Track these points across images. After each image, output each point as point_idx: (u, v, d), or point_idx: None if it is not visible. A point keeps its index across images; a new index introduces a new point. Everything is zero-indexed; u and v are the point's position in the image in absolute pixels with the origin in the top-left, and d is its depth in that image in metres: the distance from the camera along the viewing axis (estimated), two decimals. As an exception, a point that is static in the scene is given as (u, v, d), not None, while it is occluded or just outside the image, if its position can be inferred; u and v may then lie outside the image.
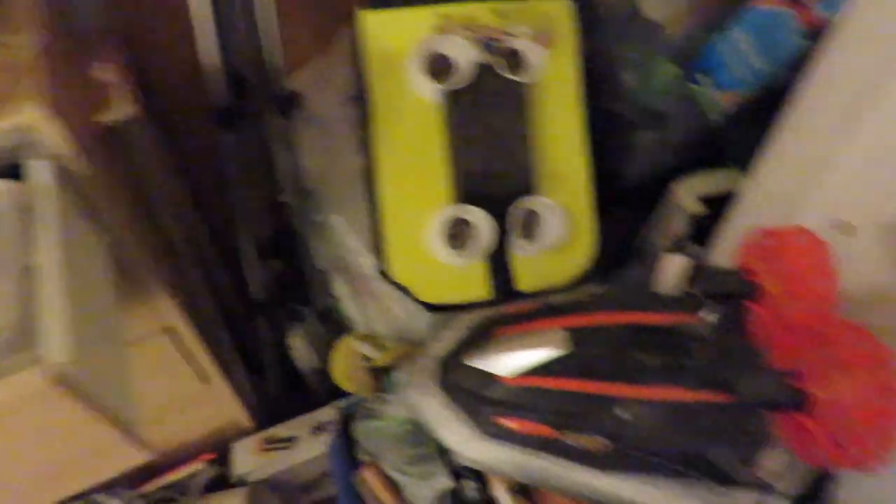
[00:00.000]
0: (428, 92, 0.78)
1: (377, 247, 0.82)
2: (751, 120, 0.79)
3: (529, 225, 0.84)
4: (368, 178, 0.81)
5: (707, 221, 0.90)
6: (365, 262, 0.90)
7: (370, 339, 1.01)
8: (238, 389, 0.96)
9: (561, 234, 0.81)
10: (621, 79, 0.95)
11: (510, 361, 0.57)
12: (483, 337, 0.61)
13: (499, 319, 0.63)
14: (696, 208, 0.94)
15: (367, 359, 1.01)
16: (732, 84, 0.81)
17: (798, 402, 0.52)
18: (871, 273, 0.58)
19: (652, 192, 1.03)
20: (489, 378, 0.58)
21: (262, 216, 0.88)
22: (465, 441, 0.57)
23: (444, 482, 0.73)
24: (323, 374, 1.09)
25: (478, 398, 0.58)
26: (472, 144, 0.78)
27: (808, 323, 0.52)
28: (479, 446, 0.57)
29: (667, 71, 0.90)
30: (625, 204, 1.10)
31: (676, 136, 0.97)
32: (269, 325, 1.00)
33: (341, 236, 0.89)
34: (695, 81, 0.87)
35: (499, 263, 0.82)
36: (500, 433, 0.57)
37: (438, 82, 0.77)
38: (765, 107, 0.76)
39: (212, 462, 0.97)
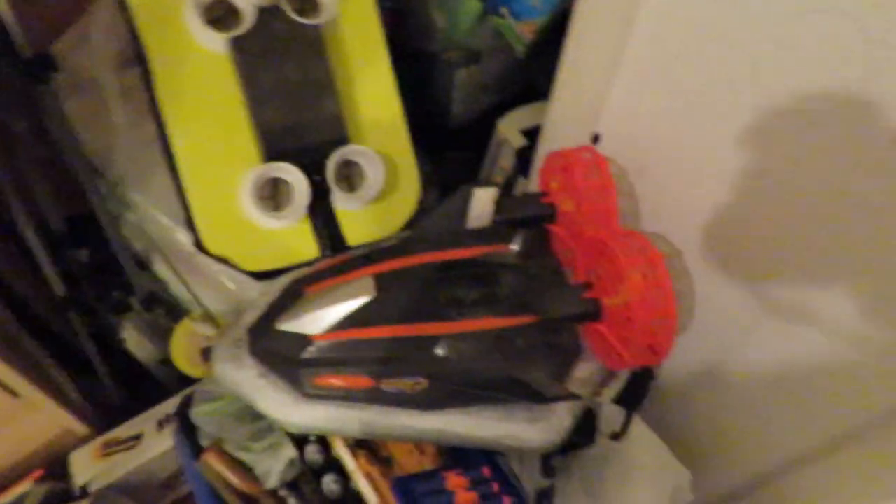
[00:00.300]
0: (212, 43, 0.71)
1: (188, 220, 0.75)
2: (549, 48, 0.80)
3: (350, 177, 0.81)
4: (164, 145, 0.73)
5: (532, 153, 0.92)
6: (181, 238, 0.83)
7: (209, 318, 0.95)
8: (61, 396, 0.87)
9: (383, 181, 0.79)
10: (430, 18, 0.93)
11: (321, 318, 0.55)
12: (293, 298, 0.58)
13: (307, 278, 0.61)
14: (520, 141, 0.96)
15: (209, 340, 0.95)
16: (527, 13, 0.81)
17: (594, 312, 0.54)
18: (656, 197, 0.62)
19: (482, 131, 1.04)
20: (302, 339, 0.55)
21: (50, 201, 0.78)
22: (286, 408, 0.55)
23: (290, 451, 0.71)
24: (168, 363, 1.02)
25: (293, 362, 0.55)
26: (271, 96, 0.73)
27: (597, 236, 0.54)
28: (301, 410, 0.55)
29: (471, 7, 0.89)
30: (458, 145, 1.11)
31: (491, 71, 0.98)
32: (89, 321, 0.91)
33: (148, 213, 0.81)
34: (498, 14, 0.87)
35: (323, 221, 0.79)
36: (321, 393, 0.55)
37: (222, 31, 0.70)
38: (560, 33, 0.77)
39: (43, 479, 0.88)
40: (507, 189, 1.01)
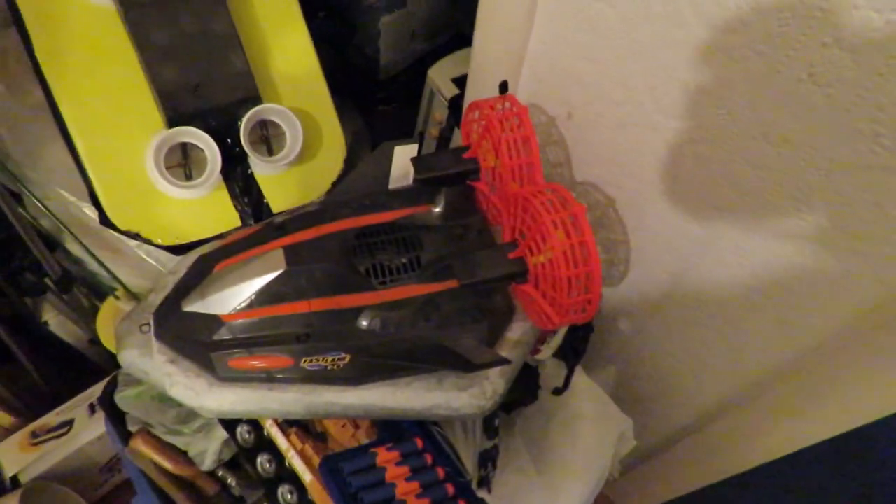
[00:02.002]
0: (95, -4, 0.63)
1: (91, 193, 0.69)
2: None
3: (268, 139, 0.75)
4: (54, 114, 0.66)
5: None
6: (88, 213, 0.77)
7: (134, 296, 0.90)
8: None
9: (303, 142, 0.74)
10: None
11: (229, 297, 0.51)
12: (200, 276, 0.53)
13: (216, 253, 0.56)
14: (452, 90, 0.91)
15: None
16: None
17: (520, 273, 0.52)
18: (585, 143, 0.61)
19: (414, 82, 0.99)
20: (211, 320, 0.51)
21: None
22: (200, 394, 0.52)
23: (223, 431, 0.68)
24: (99, 342, 0.97)
25: (204, 345, 0.51)
26: (168, 53, 0.66)
27: (520, 192, 0.51)
28: (216, 395, 0.52)
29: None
30: (390, 98, 1.06)
31: (418, 16, 0.92)
32: (2, 305, 0.85)
33: (47, 189, 0.75)
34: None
35: (242, 188, 0.74)
36: (236, 376, 0.52)
37: (102, -19, 0.63)
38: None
39: (-35, 475, 0.84)
40: (443, 142, 0.97)
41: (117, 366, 0.99)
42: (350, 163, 0.79)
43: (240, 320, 0.51)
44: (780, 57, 0.44)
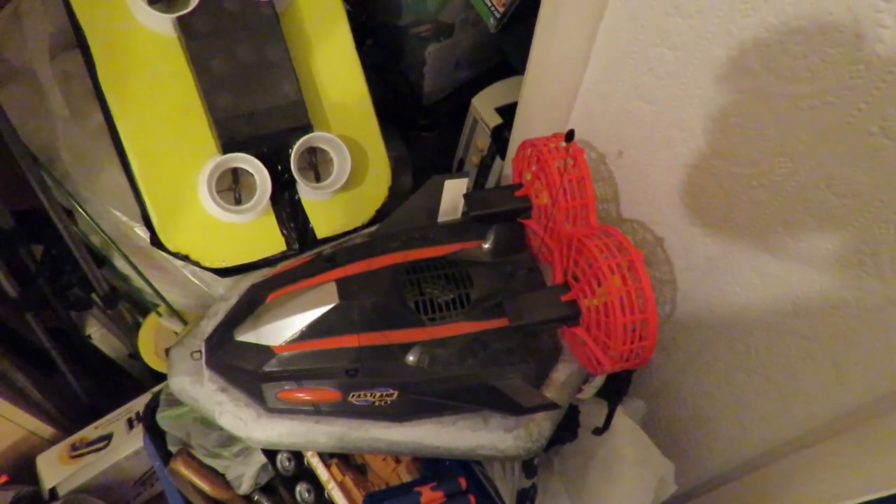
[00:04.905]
0: (157, 23, 0.65)
1: (144, 215, 0.71)
2: (521, 21, 0.75)
3: (315, 165, 0.76)
4: (113, 136, 0.68)
5: (508, 132, 0.87)
6: (138, 233, 0.79)
7: (178, 313, 0.92)
8: (22, 398, 0.83)
9: (350, 169, 0.74)
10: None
11: (282, 329, 0.51)
12: (253, 305, 0.54)
13: (268, 282, 0.57)
14: (496, 120, 0.92)
15: (178, 335, 0.91)
16: (500, -16, 0.76)
17: (572, 315, 0.51)
18: (635, 182, 0.61)
19: (456, 110, 1.00)
20: (264, 351, 0.52)
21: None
22: (248, 424, 0.52)
23: (261, 457, 0.68)
24: (139, 357, 0.99)
25: (255, 375, 0.52)
26: (225, 81, 0.68)
27: (574, 234, 0.50)
28: (264, 426, 0.52)
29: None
30: (433, 125, 1.06)
31: (463, 45, 0.93)
32: (50, 318, 0.87)
33: (101, 209, 0.76)
34: (470, -15, 0.81)
35: (289, 213, 0.75)
36: (285, 408, 0.52)
37: (167, 11, 0.65)
38: (532, 5, 0.72)
39: (8, 484, 0.85)
40: (483, 170, 0.97)
41: (156, 381, 1.01)
42: (393, 190, 0.80)
43: (291, 352, 0.51)
44: (850, 109, 0.43)
